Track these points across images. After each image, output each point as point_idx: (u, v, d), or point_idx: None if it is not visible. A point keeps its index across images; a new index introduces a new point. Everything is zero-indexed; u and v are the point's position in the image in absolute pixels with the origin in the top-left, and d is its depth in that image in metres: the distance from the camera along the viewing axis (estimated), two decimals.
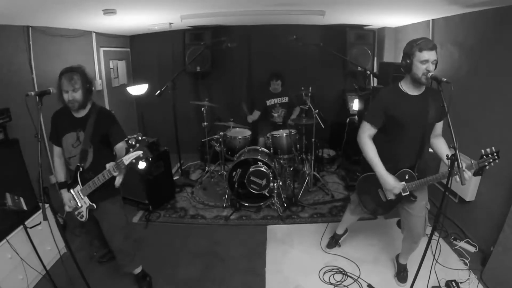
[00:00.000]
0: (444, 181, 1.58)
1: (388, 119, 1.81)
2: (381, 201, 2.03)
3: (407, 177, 1.87)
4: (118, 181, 1.80)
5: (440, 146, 1.90)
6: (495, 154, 1.58)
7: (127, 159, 1.62)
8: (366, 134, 1.88)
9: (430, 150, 1.98)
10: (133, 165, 1.63)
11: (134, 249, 2.25)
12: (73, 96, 1.80)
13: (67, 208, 1.97)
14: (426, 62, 1.64)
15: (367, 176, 2.03)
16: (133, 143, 1.63)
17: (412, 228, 2.02)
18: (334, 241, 2.68)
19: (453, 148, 1.52)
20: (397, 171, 1.88)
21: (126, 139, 1.94)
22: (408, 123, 1.78)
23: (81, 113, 1.92)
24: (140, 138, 1.66)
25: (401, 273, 2.29)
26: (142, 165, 1.64)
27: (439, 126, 1.90)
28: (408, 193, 1.88)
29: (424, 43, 1.64)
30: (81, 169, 1.88)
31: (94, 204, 1.90)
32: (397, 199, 1.94)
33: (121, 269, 2.24)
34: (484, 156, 1.59)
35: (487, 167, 1.61)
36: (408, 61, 1.69)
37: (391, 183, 1.84)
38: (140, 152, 1.60)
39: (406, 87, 1.80)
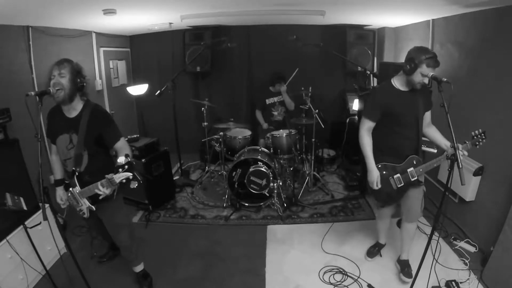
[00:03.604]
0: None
1: (385, 113, 2.01)
2: (392, 189, 2.14)
3: (415, 162, 2.06)
4: (104, 194, 1.74)
5: (434, 134, 2.13)
6: (482, 134, 1.87)
7: (117, 178, 1.60)
8: (365, 127, 2.09)
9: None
10: (124, 184, 1.62)
11: (137, 246, 2.27)
12: (59, 80, 1.73)
13: (61, 205, 1.98)
14: (426, 76, 1.84)
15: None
16: (122, 162, 1.60)
17: (410, 208, 2.19)
18: (376, 250, 2.60)
19: (453, 148, 1.62)
20: (405, 158, 2.07)
21: (125, 138, 1.94)
22: (403, 115, 2.00)
23: (73, 113, 1.86)
24: (129, 159, 1.64)
25: (405, 269, 2.29)
26: (133, 184, 1.65)
27: (428, 115, 2.14)
28: (416, 177, 2.06)
29: (434, 60, 1.81)
30: (77, 173, 1.84)
31: (93, 206, 1.88)
32: (406, 185, 2.10)
33: (128, 263, 2.29)
34: (474, 137, 1.88)
35: (478, 146, 1.89)
36: (412, 66, 1.85)
37: (375, 177, 2.07)
38: (129, 174, 1.59)
39: (399, 84, 2.01)
